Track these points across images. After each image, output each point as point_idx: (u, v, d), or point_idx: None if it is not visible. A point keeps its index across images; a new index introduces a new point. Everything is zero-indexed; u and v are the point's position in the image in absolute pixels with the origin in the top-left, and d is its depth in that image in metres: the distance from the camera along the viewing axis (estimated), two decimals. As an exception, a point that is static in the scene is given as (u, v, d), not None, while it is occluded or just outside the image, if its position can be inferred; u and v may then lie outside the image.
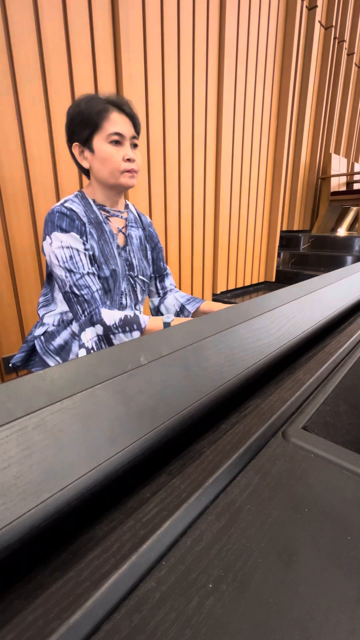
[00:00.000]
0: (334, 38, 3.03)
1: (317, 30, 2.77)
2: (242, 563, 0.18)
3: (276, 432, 0.29)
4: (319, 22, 2.79)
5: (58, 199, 1.43)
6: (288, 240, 3.31)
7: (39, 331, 0.89)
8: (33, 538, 0.17)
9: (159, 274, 1.04)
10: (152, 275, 1.03)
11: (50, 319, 0.89)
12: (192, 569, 0.17)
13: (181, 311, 1.02)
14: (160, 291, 1.05)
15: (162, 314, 1.05)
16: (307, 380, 0.36)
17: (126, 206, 0.94)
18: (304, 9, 2.60)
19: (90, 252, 0.80)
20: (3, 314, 1.36)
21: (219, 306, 0.99)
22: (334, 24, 2.93)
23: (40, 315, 0.91)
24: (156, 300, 1.06)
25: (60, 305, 0.88)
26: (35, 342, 0.88)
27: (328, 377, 0.39)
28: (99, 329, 0.76)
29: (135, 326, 0.75)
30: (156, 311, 1.07)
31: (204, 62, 1.94)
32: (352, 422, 0.31)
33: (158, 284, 1.05)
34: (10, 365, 0.93)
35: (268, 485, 0.23)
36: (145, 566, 0.17)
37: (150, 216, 1.87)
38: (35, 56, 1.26)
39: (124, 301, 0.91)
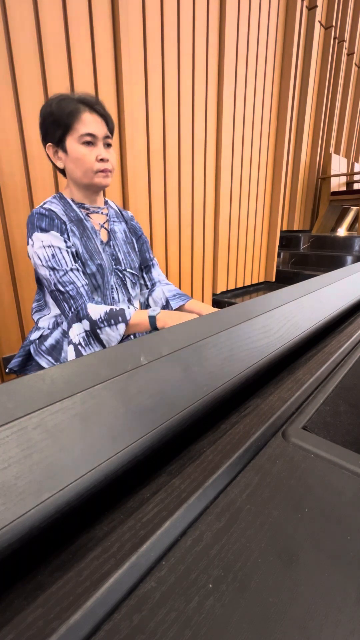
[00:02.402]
0: (334, 38, 3.03)
1: (317, 30, 2.77)
2: (242, 563, 0.18)
3: (276, 432, 0.29)
4: (319, 22, 2.79)
5: (58, 199, 1.43)
6: (288, 240, 3.31)
7: (34, 335, 0.89)
8: (33, 538, 0.17)
9: (145, 265, 1.03)
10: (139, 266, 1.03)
11: (45, 323, 0.89)
12: (192, 569, 0.17)
13: (165, 307, 1.01)
14: (148, 283, 1.04)
15: (149, 307, 1.04)
16: (307, 380, 0.36)
17: (105, 202, 0.94)
18: (304, 9, 2.60)
19: (74, 249, 0.80)
20: (3, 314, 1.36)
21: (205, 308, 0.97)
22: (334, 24, 2.93)
23: (35, 320, 0.91)
24: (145, 292, 1.05)
25: (53, 309, 0.88)
26: (31, 346, 0.88)
27: (328, 377, 0.39)
28: (85, 324, 0.76)
29: (120, 318, 0.75)
30: (145, 304, 1.06)
31: (204, 62, 1.94)
32: (352, 422, 0.31)
33: (145, 275, 1.04)
34: (7, 370, 0.93)
35: (268, 485, 0.23)
36: (145, 566, 0.17)
37: (150, 216, 1.88)
38: (36, 56, 1.26)
39: (115, 296, 0.90)
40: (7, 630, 0.14)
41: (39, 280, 0.88)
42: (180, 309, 1.00)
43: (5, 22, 1.16)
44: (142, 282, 1.04)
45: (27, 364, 0.91)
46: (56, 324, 0.88)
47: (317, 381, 0.38)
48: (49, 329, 0.88)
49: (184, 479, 0.22)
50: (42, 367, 0.88)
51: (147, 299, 1.04)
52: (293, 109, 2.87)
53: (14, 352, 1.40)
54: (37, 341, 0.87)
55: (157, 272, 1.06)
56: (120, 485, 0.22)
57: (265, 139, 2.58)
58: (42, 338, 0.87)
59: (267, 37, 2.34)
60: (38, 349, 0.86)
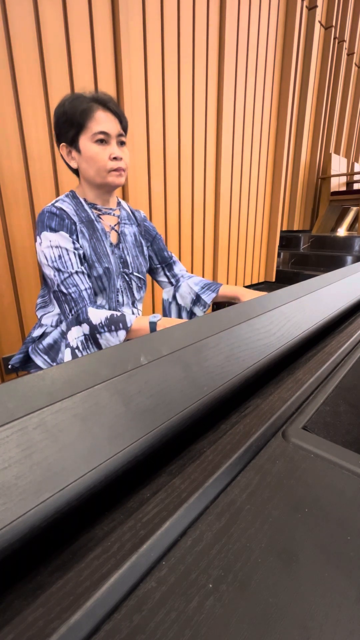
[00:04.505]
0: (334, 38, 3.03)
1: (317, 30, 2.77)
2: (242, 563, 0.18)
3: (276, 432, 0.29)
4: (319, 22, 2.79)
5: (58, 199, 1.43)
6: (288, 240, 3.31)
7: (37, 332, 0.88)
8: (33, 538, 0.17)
9: (166, 263, 1.03)
10: (159, 266, 1.02)
11: (49, 320, 0.89)
12: (192, 569, 0.17)
13: (197, 300, 0.99)
14: (172, 279, 1.03)
15: (179, 304, 1.03)
16: (307, 380, 0.36)
17: (118, 203, 0.93)
18: (304, 9, 2.60)
19: (81, 251, 0.79)
20: (3, 314, 1.36)
21: (238, 290, 0.95)
22: (334, 24, 2.93)
23: (39, 317, 0.91)
24: (170, 290, 1.04)
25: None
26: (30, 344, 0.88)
27: (328, 377, 0.39)
28: (85, 328, 0.75)
29: (120, 325, 0.74)
30: (171, 302, 1.04)
31: (204, 61, 1.94)
32: (352, 422, 0.31)
33: (167, 273, 1.03)
34: (9, 367, 0.93)
35: (268, 485, 0.23)
36: (145, 566, 0.17)
37: (150, 216, 1.87)
38: (36, 56, 1.26)
39: (120, 299, 0.90)
40: (7, 630, 0.14)
41: (44, 276, 0.88)
42: (215, 300, 0.99)
43: (5, 22, 1.16)
44: (164, 280, 1.04)
45: (29, 360, 0.91)
46: (59, 321, 0.88)
47: (317, 381, 0.38)
48: (52, 326, 0.88)
49: (184, 479, 0.22)
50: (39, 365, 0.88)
51: (175, 296, 1.03)
52: (293, 109, 2.87)
53: (14, 352, 1.40)
54: (35, 340, 0.87)
55: (179, 268, 1.05)
56: (120, 485, 0.22)
57: (265, 139, 2.58)
58: (41, 337, 0.87)
59: (267, 37, 2.34)
60: (35, 347, 0.86)
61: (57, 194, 1.43)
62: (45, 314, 0.89)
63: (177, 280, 1.04)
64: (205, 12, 1.88)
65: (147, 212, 1.86)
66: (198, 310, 1.01)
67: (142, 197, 1.80)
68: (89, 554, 0.17)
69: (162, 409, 0.25)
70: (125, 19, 1.48)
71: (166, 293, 1.05)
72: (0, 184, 1.26)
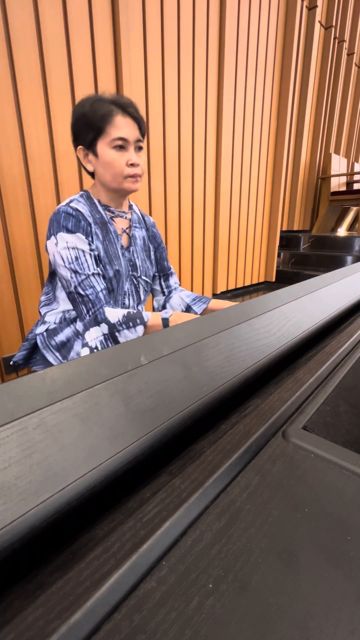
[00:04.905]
0: (334, 38, 3.03)
1: (317, 30, 2.77)
2: (242, 563, 0.18)
3: (276, 432, 0.29)
4: (319, 22, 2.79)
5: (58, 199, 1.43)
6: (288, 240, 3.31)
7: (40, 329, 0.89)
8: (33, 538, 0.17)
9: (164, 273, 1.04)
10: (157, 274, 1.03)
11: (52, 317, 0.89)
12: (192, 569, 0.17)
13: (187, 311, 1.01)
14: (165, 290, 1.05)
15: None
16: (307, 380, 0.36)
17: (130, 207, 0.94)
18: (304, 9, 2.60)
19: (96, 253, 0.80)
20: (3, 314, 1.36)
21: (229, 305, 0.98)
22: (334, 24, 2.93)
23: (42, 314, 0.91)
24: (161, 299, 1.06)
25: (62, 304, 0.88)
26: (37, 338, 0.88)
27: (328, 377, 0.39)
28: (104, 327, 0.76)
29: (138, 321, 0.75)
30: (161, 310, 1.06)
31: (204, 61, 1.94)
32: (352, 422, 0.31)
33: (163, 283, 1.05)
34: (11, 363, 0.93)
35: (268, 485, 0.23)
36: (145, 566, 0.17)
37: (150, 216, 1.88)
38: (36, 56, 1.26)
39: (126, 301, 0.91)
40: (8, 630, 0.14)
41: (52, 274, 0.88)
42: (205, 312, 1.01)
43: (5, 22, 1.16)
44: (157, 288, 1.05)
45: (32, 357, 0.91)
46: (63, 319, 0.88)
47: (317, 381, 0.38)
48: (55, 323, 0.88)
49: (184, 479, 0.22)
50: (47, 361, 0.88)
51: (164, 305, 1.05)
52: (293, 109, 2.87)
53: (14, 352, 1.40)
54: (44, 334, 0.87)
55: (174, 280, 1.07)
56: (120, 485, 0.22)
57: (265, 139, 2.58)
58: (51, 331, 0.87)
59: (267, 37, 2.34)
60: (47, 342, 0.86)
61: (57, 194, 1.43)
62: (49, 312, 0.90)
63: (170, 292, 1.05)
64: (205, 12, 1.88)
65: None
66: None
67: (142, 197, 1.80)
68: (89, 554, 0.17)
69: (162, 409, 0.25)
70: (125, 19, 1.48)
71: (156, 302, 1.07)
72: (0, 184, 1.26)
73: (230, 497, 0.22)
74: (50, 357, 0.87)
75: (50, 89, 1.32)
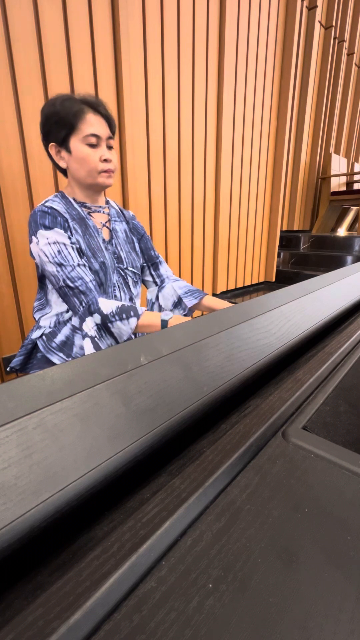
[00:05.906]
0: (334, 38, 3.03)
1: (317, 30, 2.77)
2: (242, 563, 0.18)
3: (276, 432, 0.29)
4: (319, 22, 2.79)
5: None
6: (288, 240, 3.31)
7: (36, 334, 0.89)
8: (33, 538, 0.17)
9: (152, 262, 1.03)
10: (145, 264, 1.03)
11: (47, 322, 0.89)
12: (192, 569, 0.17)
13: (178, 303, 1.00)
14: (157, 279, 1.04)
15: (160, 305, 1.04)
16: (307, 380, 0.36)
17: (107, 202, 0.94)
18: (304, 9, 2.60)
19: (77, 246, 0.80)
20: (3, 315, 1.36)
21: (222, 304, 0.97)
22: (334, 24, 2.93)
23: (37, 319, 0.92)
24: (154, 290, 1.04)
25: (55, 307, 0.88)
26: (38, 342, 0.88)
27: (328, 377, 0.39)
28: (97, 318, 0.76)
29: (132, 313, 0.75)
30: (154, 302, 1.05)
31: (204, 62, 1.94)
32: (352, 422, 0.31)
33: (153, 273, 1.04)
34: (8, 369, 0.93)
35: (268, 485, 0.23)
36: (145, 566, 0.17)
37: (150, 216, 1.88)
38: (36, 56, 1.26)
39: (117, 294, 0.91)
40: (7, 630, 0.14)
41: (41, 279, 0.88)
42: (197, 305, 0.99)
43: (5, 22, 1.16)
44: (149, 279, 1.04)
45: (29, 362, 0.92)
46: (58, 322, 0.88)
47: (317, 381, 0.38)
48: (50, 327, 0.88)
49: (184, 479, 0.22)
50: (47, 363, 0.89)
51: (157, 296, 1.04)
52: (293, 109, 2.87)
53: (14, 352, 1.40)
54: (43, 338, 0.88)
55: (164, 269, 1.05)
56: (120, 485, 0.22)
57: (265, 139, 2.58)
58: (49, 334, 0.87)
59: (267, 37, 2.34)
60: (48, 346, 0.87)
61: (57, 194, 1.43)
62: (43, 316, 0.90)
63: (162, 281, 1.04)
64: (205, 12, 1.88)
65: (147, 213, 1.86)
66: (177, 314, 1.01)
67: (142, 198, 1.79)
68: (88, 554, 0.17)
69: (162, 409, 0.25)
70: (125, 19, 1.48)
71: (150, 293, 1.06)
72: (0, 184, 1.26)
73: (230, 497, 0.22)
74: (54, 359, 0.87)
75: (50, 89, 1.32)
